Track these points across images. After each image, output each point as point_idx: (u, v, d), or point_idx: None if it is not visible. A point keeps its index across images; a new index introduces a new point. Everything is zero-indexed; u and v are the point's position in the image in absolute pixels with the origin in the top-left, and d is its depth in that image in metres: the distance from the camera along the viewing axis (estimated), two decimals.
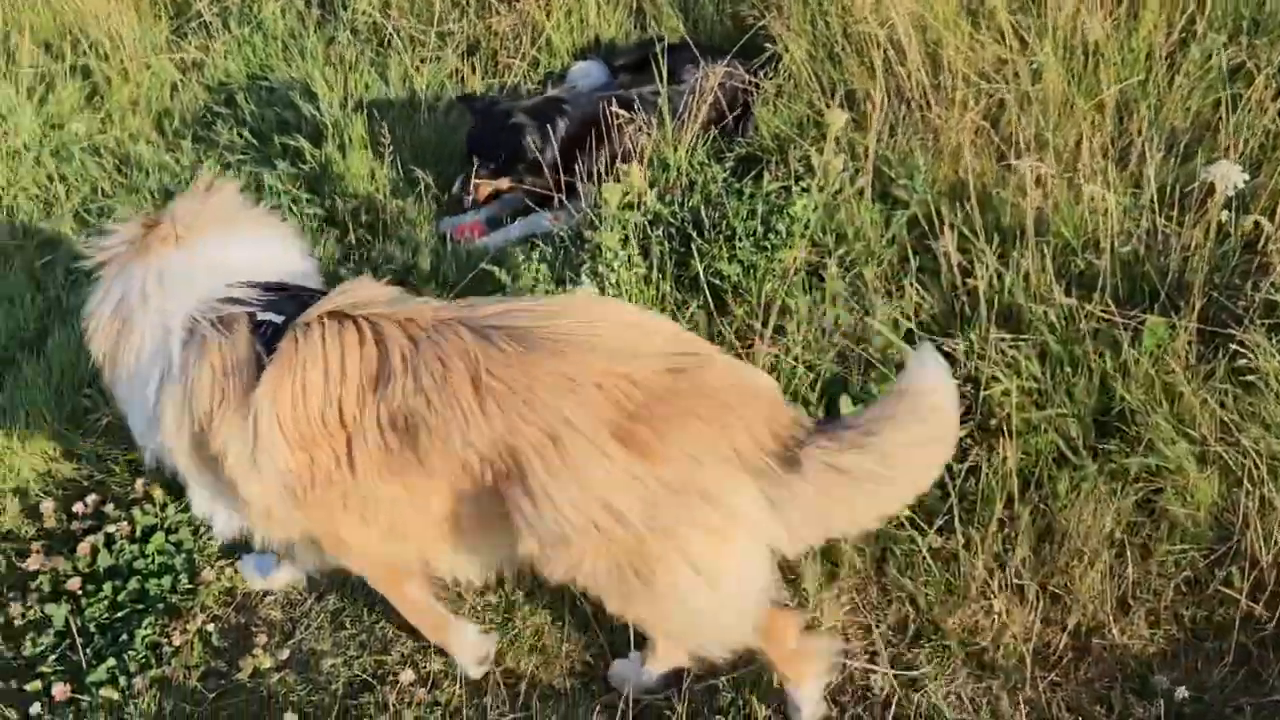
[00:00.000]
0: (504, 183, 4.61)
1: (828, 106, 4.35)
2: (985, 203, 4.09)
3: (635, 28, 5.37)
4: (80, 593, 3.53)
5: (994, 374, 3.55)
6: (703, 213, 4.05)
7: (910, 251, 3.91)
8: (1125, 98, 4.29)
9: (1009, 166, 4.08)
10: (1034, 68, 4.37)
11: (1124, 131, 4.23)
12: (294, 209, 4.67)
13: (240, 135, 5.08)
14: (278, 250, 2.98)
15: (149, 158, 5.05)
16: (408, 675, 3.29)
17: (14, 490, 3.88)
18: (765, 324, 3.83)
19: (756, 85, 4.69)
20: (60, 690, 3.29)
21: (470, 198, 4.58)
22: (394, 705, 3.24)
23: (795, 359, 3.78)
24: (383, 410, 2.55)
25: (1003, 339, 3.63)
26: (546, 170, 4.45)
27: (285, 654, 3.41)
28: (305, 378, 2.58)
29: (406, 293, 2.83)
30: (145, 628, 3.42)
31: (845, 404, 3.51)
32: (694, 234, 4.00)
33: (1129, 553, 3.29)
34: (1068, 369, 3.59)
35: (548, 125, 4.48)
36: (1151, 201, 3.78)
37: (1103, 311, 3.61)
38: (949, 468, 3.41)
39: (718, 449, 2.47)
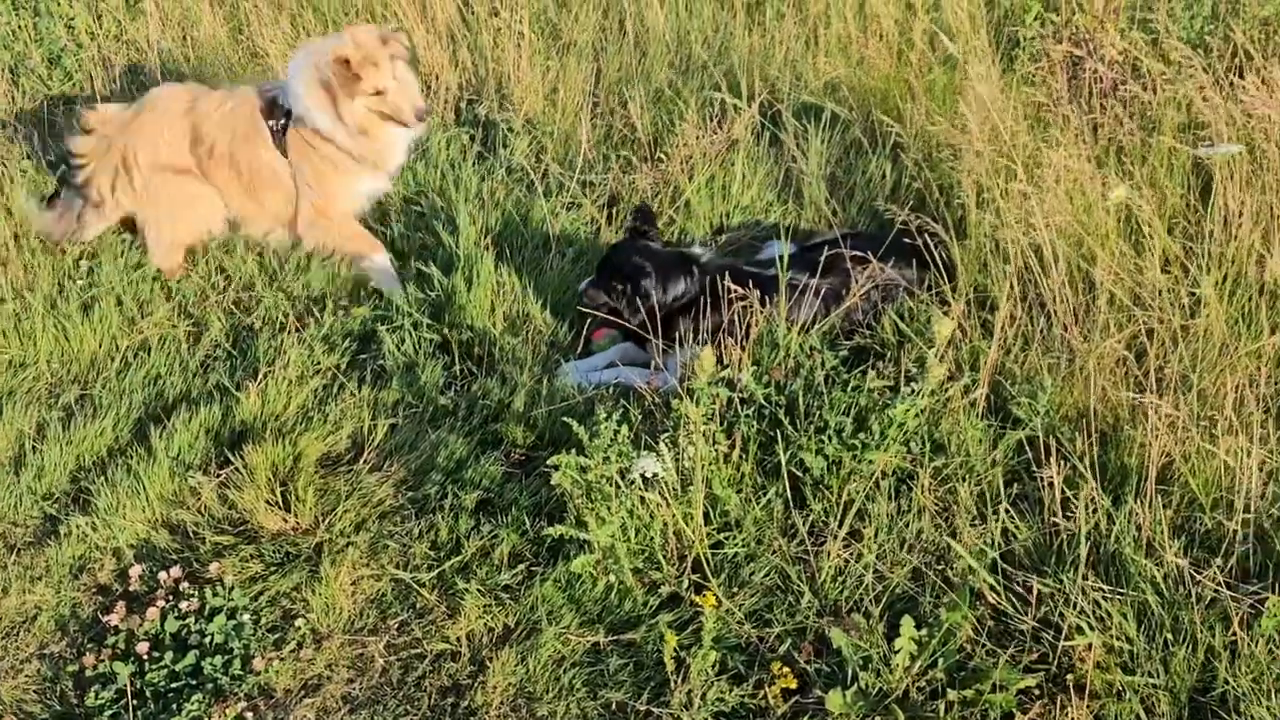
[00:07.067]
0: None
1: (948, 313, 4.09)
2: (1110, 438, 3.78)
3: (782, 205, 5.26)
4: (146, 657, 3.61)
5: (1079, 624, 3.18)
6: (800, 399, 3.83)
7: (1014, 476, 3.61)
8: None
9: (1144, 404, 3.72)
10: (1194, 296, 4.04)
11: None
12: (413, 332, 4.68)
13: None
14: None
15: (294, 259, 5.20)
16: None
17: (113, 550, 3.97)
18: (841, 524, 3.58)
19: (911, 292, 4.46)
20: None
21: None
22: None
23: (866, 567, 3.49)
24: None
25: (1098, 589, 3.28)
26: (644, 320, 4.37)
27: None
28: None
29: None
30: (192, 702, 3.46)
31: (907, 626, 3.18)
32: (784, 419, 3.79)
33: None
34: (1168, 635, 3.20)
35: (668, 279, 4.41)
36: None
37: (1221, 580, 3.22)
38: (1008, 714, 3.06)
39: None
